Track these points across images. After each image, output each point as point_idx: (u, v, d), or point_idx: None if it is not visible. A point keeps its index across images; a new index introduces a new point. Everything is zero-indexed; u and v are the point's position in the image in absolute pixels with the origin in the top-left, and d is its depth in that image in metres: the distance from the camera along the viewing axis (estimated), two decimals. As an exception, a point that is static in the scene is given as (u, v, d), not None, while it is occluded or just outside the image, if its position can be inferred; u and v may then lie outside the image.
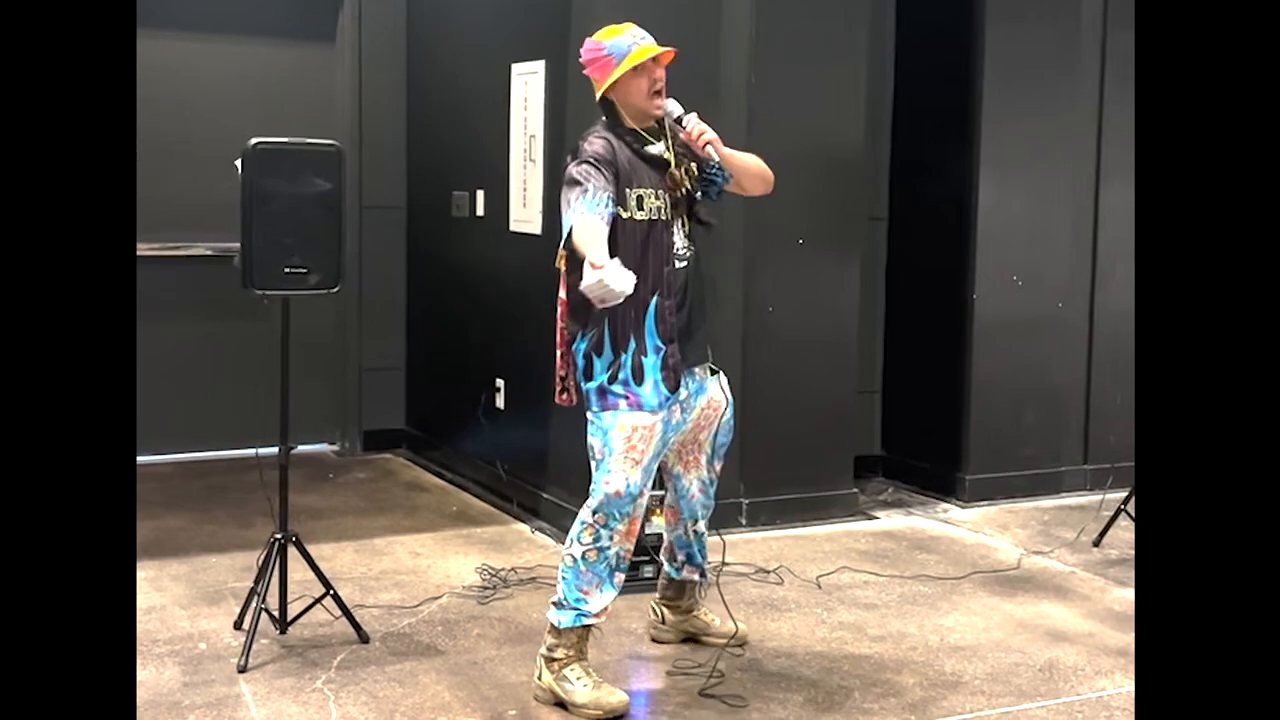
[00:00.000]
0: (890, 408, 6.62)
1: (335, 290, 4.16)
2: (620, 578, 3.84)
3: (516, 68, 5.76)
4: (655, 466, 3.84)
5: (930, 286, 6.36)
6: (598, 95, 3.85)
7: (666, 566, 4.26)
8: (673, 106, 3.84)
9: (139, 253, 6.31)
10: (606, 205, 3.65)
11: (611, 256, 3.57)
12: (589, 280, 3.37)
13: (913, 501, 6.25)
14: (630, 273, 3.41)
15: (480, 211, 6.17)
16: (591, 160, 3.70)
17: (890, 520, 5.91)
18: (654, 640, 4.31)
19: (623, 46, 3.76)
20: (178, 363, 6.61)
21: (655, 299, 3.76)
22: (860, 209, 5.98)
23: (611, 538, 3.77)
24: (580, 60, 3.87)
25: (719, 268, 5.33)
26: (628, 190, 3.74)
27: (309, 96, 6.79)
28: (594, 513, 3.77)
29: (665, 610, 4.30)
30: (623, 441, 3.73)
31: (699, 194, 3.95)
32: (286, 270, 4.06)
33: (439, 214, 6.57)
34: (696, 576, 4.24)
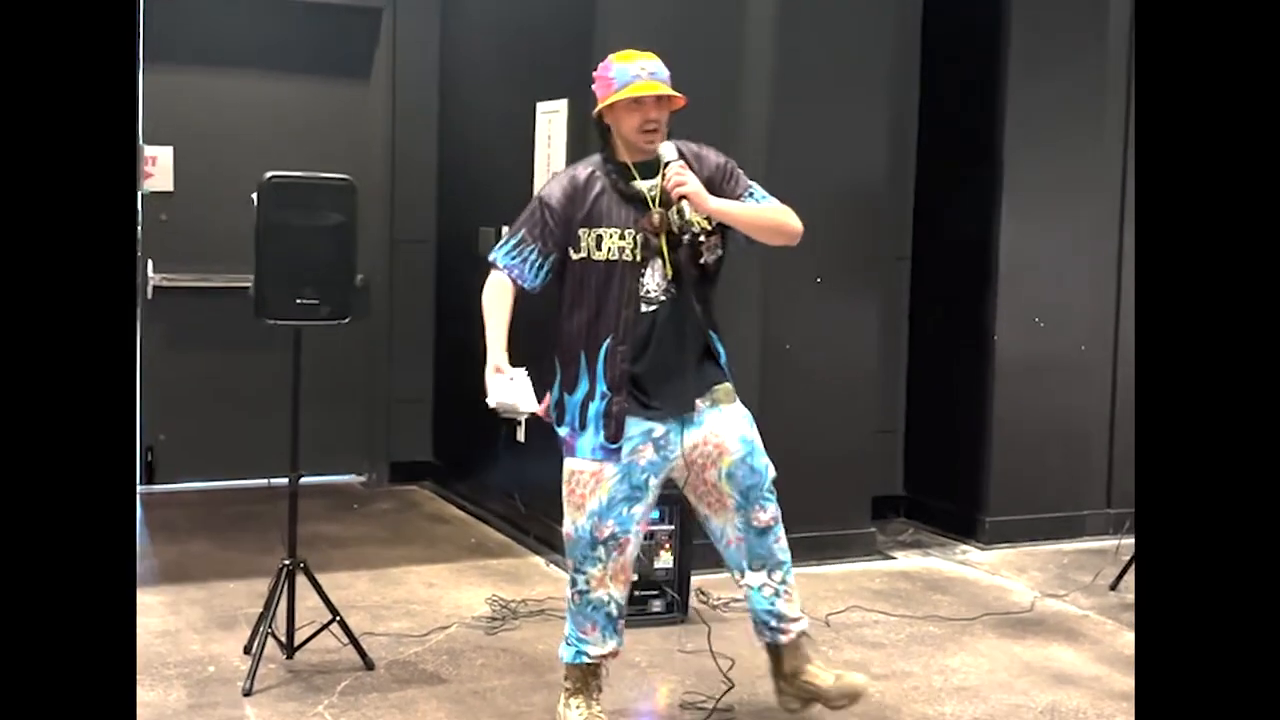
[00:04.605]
0: (912, 448, 6.61)
1: (345, 321, 4.24)
2: (622, 625, 3.76)
3: (541, 106, 5.85)
4: (618, 510, 3.66)
5: (952, 326, 6.36)
6: (594, 111, 3.69)
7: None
8: (664, 150, 3.60)
9: (178, 284, 6.52)
10: (525, 260, 3.64)
11: (565, 298, 3.66)
12: (490, 390, 3.58)
13: (932, 543, 6.23)
14: (530, 397, 3.58)
15: (505, 247, 6.23)
16: (538, 202, 3.67)
17: (907, 560, 5.90)
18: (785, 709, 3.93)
19: (626, 75, 3.59)
20: (210, 393, 6.71)
21: (608, 342, 3.61)
22: (881, 248, 5.99)
23: (588, 583, 3.71)
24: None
25: (735, 305, 5.35)
26: (584, 230, 3.61)
27: (344, 132, 6.90)
28: (566, 557, 3.80)
29: (777, 679, 3.90)
30: (565, 486, 3.74)
31: (707, 236, 3.64)
32: (299, 301, 4.15)
33: (466, 249, 6.64)
34: (768, 638, 3.84)
